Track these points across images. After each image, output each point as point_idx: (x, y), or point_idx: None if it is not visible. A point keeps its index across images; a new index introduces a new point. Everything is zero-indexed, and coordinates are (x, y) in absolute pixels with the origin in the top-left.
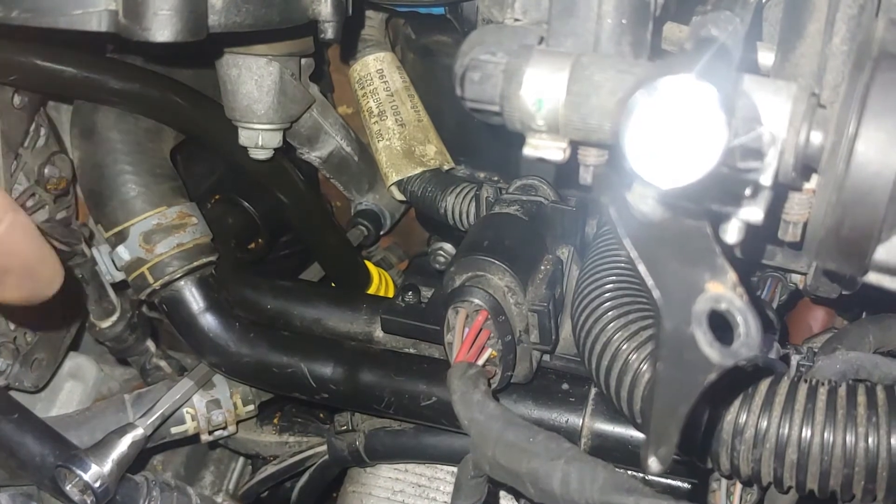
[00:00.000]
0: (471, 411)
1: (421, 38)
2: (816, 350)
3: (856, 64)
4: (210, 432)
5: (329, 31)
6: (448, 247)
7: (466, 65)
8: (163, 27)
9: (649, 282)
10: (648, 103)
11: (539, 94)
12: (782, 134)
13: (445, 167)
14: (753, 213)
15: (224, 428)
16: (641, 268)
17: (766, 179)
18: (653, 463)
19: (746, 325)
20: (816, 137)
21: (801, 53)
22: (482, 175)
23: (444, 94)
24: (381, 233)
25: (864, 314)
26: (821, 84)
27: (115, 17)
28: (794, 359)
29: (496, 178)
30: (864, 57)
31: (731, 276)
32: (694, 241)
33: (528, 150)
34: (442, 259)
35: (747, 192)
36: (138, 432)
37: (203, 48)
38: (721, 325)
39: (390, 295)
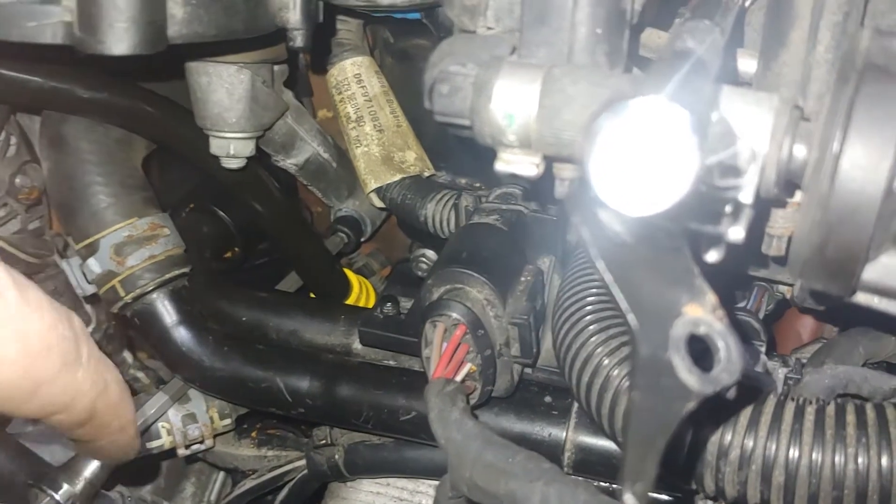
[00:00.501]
0: (448, 430)
1: (399, 42)
2: (804, 362)
3: (840, 75)
4: (187, 446)
5: (298, 39)
6: (430, 253)
7: (435, 77)
8: (119, 40)
9: (624, 306)
10: (615, 127)
11: (510, 108)
12: (764, 148)
13: (425, 174)
14: (734, 231)
15: (201, 442)
16: (616, 291)
17: (746, 197)
18: (629, 500)
19: (727, 350)
20: (800, 151)
21: (783, 62)
22: (463, 181)
23: (423, 98)
24: (362, 240)
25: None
26: (804, 94)
27: (70, 30)
28: (782, 372)
29: (477, 185)
30: (849, 68)
31: (710, 297)
32: (671, 261)
33: (500, 166)
34: (424, 266)
35: (727, 209)
36: None
37: (169, 58)
38: (701, 350)
39: (372, 304)
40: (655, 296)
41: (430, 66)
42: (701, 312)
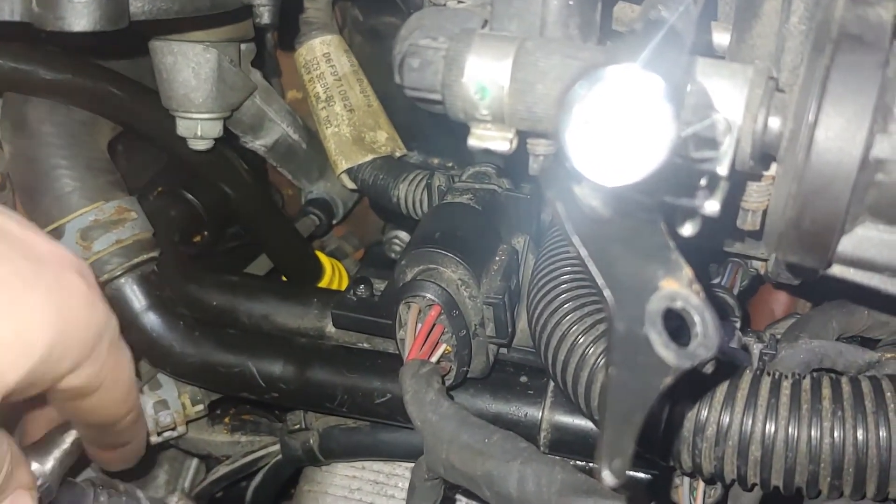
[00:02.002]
0: (424, 412)
1: (369, 19)
2: (779, 337)
3: (815, 46)
4: (158, 433)
5: (265, 16)
6: (403, 235)
7: (405, 51)
8: (79, 16)
9: (600, 281)
10: (590, 96)
11: (482, 82)
12: (738, 120)
13: (397, 154)
14: (710, 204)
15: (173, 429)
16: (592, 267)
17: (722, 169)
18: (607, 477)
19: (704, 324)
20: (774, 123)
21: (757, 34)
22: (435, 161)
23: (394, 75)
24: (334, 222)
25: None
26: (779, 66)
27: (29, 6)
28: (757, 348)
29: (450, 165)
30: (824, 38)
31: (687, 271)
32: (646, 236)
33: (473, 141)
34: (397, 247)
35: (702, 182)
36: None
37: (132, 36)
38: (678, 325)
39: (345, 287)
40: (631, 271)
41: (400, 40)
42: (677, 286)
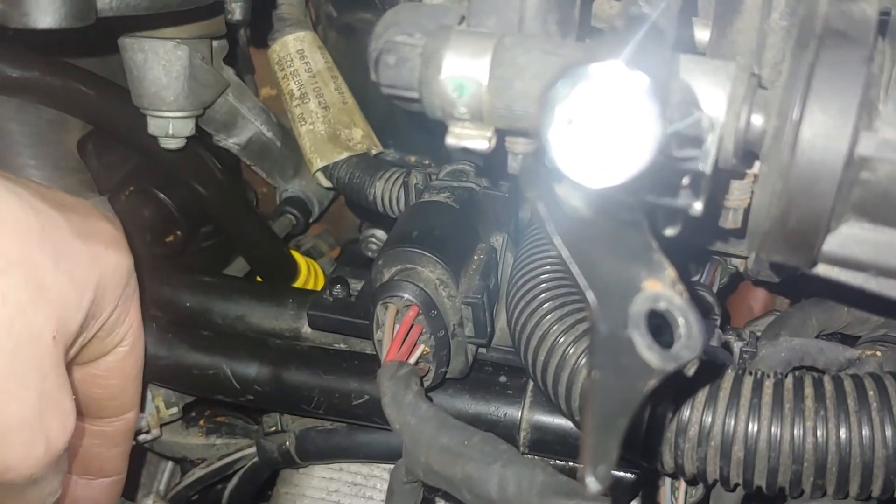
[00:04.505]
0: (402, 414)
1: (343, 15)
2: (759, 335)
3: (798, 41)
4: (135, 437)
5: (237, 12)
6: (380, 233)
7: (381, 47)
8: (44, 13)
9: (582, 282)
10: (572, 95)
11: (460, 79)
12: (721, 118)
13: (373, 151)
14: (692, 203)
15: (147, 432)
16: (574, 268)
17: (705, 167)
18: (591, 483)
19: (687, 325)
20: (758, 120)
21: (738, 29)
22: (412, 159)
23: (369, 74)
24: (311, 220)
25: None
26: (760, 62)
27: None
28: (737, 346)
29: (427, 162)
30: (808, 34)
31: (670, 272)
32: (629, 236)
33: (451, 140)
34: (374, 246)
35: (685, 181)
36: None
37: (101, 32)
38: (658, 324)
39: (321, 287)
40: (614, 272)
41: (375, 37)
42: (660, 287)
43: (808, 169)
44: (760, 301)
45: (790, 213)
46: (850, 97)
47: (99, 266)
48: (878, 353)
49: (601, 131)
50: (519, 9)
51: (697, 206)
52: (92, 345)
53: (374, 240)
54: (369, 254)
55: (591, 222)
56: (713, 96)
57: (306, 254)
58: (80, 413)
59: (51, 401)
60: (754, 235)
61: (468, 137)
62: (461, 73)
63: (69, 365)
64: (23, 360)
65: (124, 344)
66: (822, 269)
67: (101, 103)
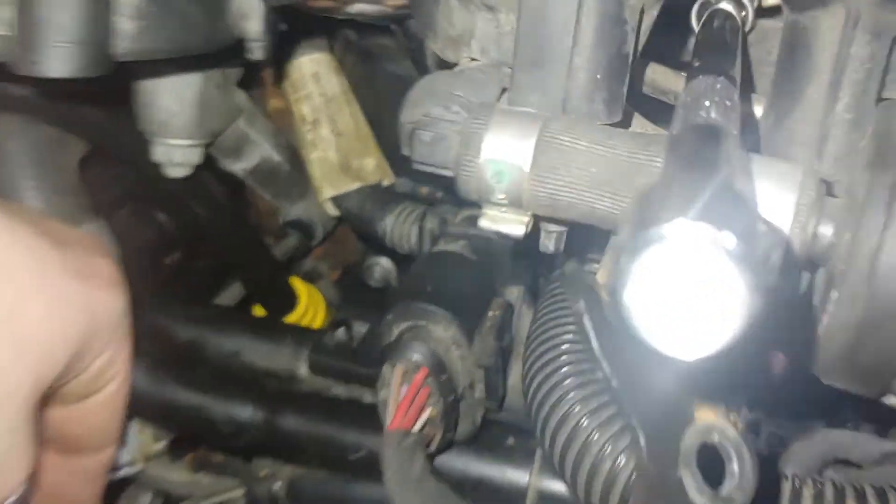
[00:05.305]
0: (407, 493)
1: (362, 40)
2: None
3: (877, 157)
4: (115, 470)
5: (257, 52)
6: (385, 261)
7: (416, 120)
8: (58, 62)
9: (633, 419)
10: (653, 256)
11: (500, 165)
12: (787, 226)
13: (385, 182)
14: None
15: (132, 465)
16: (625, 402)
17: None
18: None
19: (741, 463)
20: (826, 231)
21: (797, 119)
22: (424, 191)
23: (385, 101)
24: (313, 244)
25: None
26: (821, 156)
27: (10, 45)
28: (764, 431)
29: (439, 195)
30: (887, 151)
31: None
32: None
33: (485, 223)
34: (378, 275)
35: None
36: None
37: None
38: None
39: (320, 314)
40: (664, 398)
41: (410, 106)
42: (714, 417)
43: (888, 302)
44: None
45: (863, 343)
46: None
47: (92, 309)
48: None
49: (684, 297)
50: (565, 86)
51: None
52: (79, 386)
53: (378, 268)
54: (372, 283)
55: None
56: (779, 202)
57: (306, 276)
58: (58, 449)
59: (14, 451)
60: (821, 361)
61: (504, 222)
62: (502, 158)
63: (49, 403)
64: None
65: (112, 384)
66: (894, 401)
67: (105, 123)
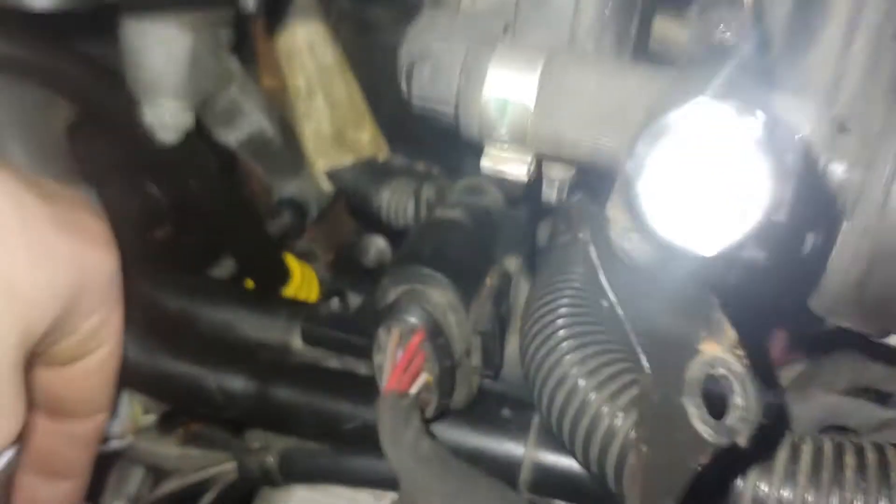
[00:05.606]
0: (401, 453)
1: (358, 10)
2: (785, 386)
3: (892, 91)
4: (104, 442)
5: (250, 4)
6: (380, 240)
7: (415, 54)
8: None
9: (637, 348)
10: (669, 141)
11: (504, 98)
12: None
13: (380, 157)
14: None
15: (121, 437)
16: (630, 331)
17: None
18: None
19: (745, 395)
20: (838, 169)
21: (812, 61)
22: (421, 166)
23: (381, 74)
24: (307, 223)
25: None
26: (836, 98)
27: None
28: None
29: (436, 170)
30: None
31: (730, 333)
32: (687, 290)
33: (487, 163)
34: (373, 254)
35: None
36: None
37: (100, 15)
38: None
39: (313, 293)
40: (670, 329)
41: (408, 41)
42: (719, 350)
43: None
44: (779, 347)
45: (872, 277)
46: None
47: (81, 264)
48: None
49: (703, 186)
50: (571, 22)
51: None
52: (69, 348)
53: (373, 248)
54: (367, 262)
55: (648, 274)
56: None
57: (300, 255)
58: (49, 412)
59: (2, 402)
60: (826, 296)
61: (506, 161)
62: (505, 91)
63: (41, 364)
64: None
65: (104, 347)
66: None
67: (94, 85)
